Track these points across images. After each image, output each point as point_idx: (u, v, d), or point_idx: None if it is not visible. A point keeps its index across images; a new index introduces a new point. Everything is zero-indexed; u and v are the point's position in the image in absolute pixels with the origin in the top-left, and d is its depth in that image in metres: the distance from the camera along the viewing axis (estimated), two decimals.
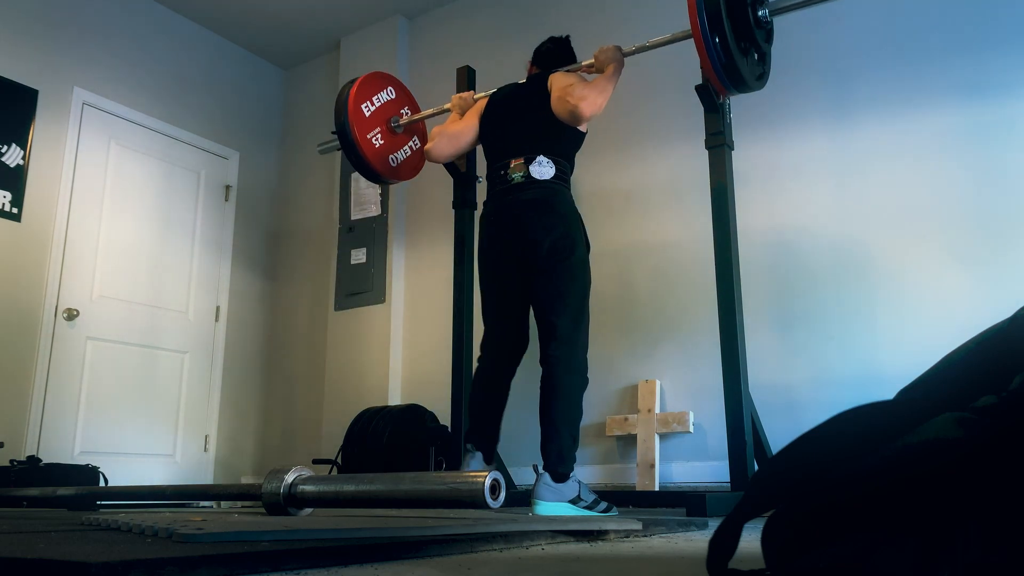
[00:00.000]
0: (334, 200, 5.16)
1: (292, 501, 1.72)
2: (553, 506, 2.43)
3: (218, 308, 5.12)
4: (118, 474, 4.10)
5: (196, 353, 4.95)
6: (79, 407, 4.29)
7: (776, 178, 3.53)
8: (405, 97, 3.79)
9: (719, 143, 2.87)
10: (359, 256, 4.89)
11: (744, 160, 3.42)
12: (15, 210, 4.09)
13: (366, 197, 4.94)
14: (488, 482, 1.30)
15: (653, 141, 3.93)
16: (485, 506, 1.29)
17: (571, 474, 2.49)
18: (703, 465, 3.40)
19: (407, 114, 3.73)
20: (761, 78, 2.91)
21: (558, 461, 2.47)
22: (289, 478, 1.74)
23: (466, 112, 3.12)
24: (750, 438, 2.63)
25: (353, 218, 4.99)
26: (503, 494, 1.32)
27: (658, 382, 3.61)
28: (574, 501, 2.46)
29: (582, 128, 2.81)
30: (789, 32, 3.35)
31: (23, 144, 4.16)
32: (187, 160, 5.07)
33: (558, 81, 2.82)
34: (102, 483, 3.84)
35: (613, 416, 3.66)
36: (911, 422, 0.58)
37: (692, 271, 3.60)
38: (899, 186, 3.24)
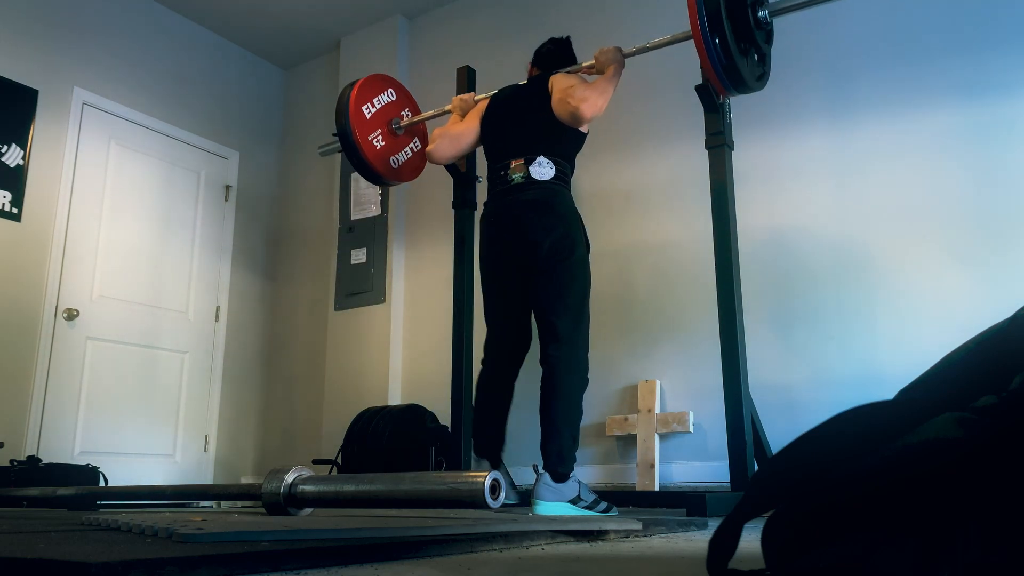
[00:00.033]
0: (334, 200, 5.16)
1: (292, 501, 1.72)
2: (553, 506, 2.43)
3: (218, 308, 5.12)
4: (118, 474, 4.10)
5: (196, 353, 4.95)
6: (79, 407, 4.29)
7: (776, 178, 3.53)
8: (406, 99, 3.79)
9: (719, 143, 2.87)
10: (359, 256, 4.89)
11: (744, 160, 3.42)
12: (15, 210, 4.09)
13: (366, 197, 4.94)
14: (488, 482, 1.30)
15: (653, 141, 3.93)
16: (485, 506, 1.30)
17: (571, 474, 2.50)
18: (703, 465, 3.40)
19: (408, 116, 3.73)
20: (761, 79, 2.91)
21: (558, 461, 2.48)
22: (289, 478, 1.74)
23: (467, 113, 3.12)
24: (750, 438, 2.63)
25: (353, 218, 4.99)
26: (503, 494, 1.32)
27: (658, 382, 3.61)
28: (574, 501, 2.47)
29: (583, 129, 2.82)
30: (789, 32, 3.35)
31: (23, 144, 4.16)
32: (187, 160, 5.07)
33: (559, 82, 2.82)
34: (102, 483, 3.85)
35: (613, 416, 3.66)
36: (911, 422, 0.58)
37: (692, 271, 3.60)
38: (899, 186, 3.24)
